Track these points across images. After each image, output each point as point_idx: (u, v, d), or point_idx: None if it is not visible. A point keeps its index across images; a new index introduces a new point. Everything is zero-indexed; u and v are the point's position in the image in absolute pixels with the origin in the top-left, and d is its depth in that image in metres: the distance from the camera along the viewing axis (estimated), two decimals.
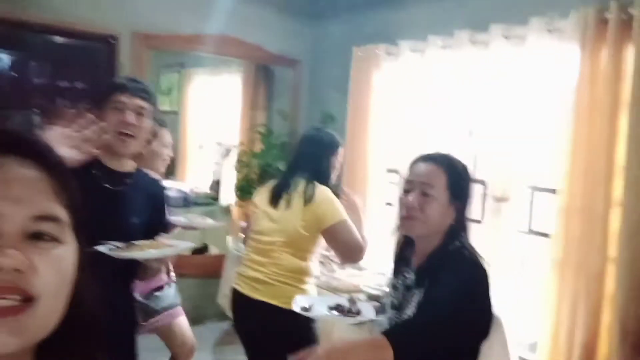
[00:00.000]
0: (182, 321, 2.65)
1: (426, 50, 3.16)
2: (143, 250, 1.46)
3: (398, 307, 1.51)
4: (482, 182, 2.76)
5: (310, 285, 2.14)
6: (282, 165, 4.02)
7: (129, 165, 1.66)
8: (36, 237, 0.52)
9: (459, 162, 1.47)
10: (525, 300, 2.58)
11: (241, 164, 4.20)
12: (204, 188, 4.77)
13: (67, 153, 1.25)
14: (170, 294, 2.62)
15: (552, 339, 2.35)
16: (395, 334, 1.28)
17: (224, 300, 3.21)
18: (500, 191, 2.64)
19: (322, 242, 2.13)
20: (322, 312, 1.65)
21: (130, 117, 1.56)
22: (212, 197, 4.63)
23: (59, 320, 0.54)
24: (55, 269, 0.52)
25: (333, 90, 4.03)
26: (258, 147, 4.22)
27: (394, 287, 1.60)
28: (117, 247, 1.44)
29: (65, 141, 1.27)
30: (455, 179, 1.41)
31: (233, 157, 4.33)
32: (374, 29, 3.62)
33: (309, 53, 4.25)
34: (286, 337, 1.83)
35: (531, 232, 2.71)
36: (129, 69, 3.44)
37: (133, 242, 1.49)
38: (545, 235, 2.55)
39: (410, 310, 1.42)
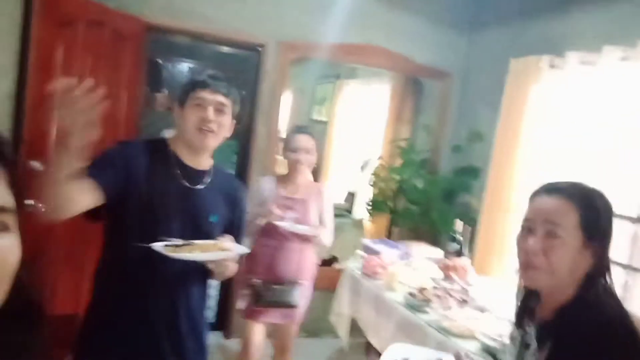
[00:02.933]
0: (288, 325, 2.64)
1: (599, 63, 2.68)
2: (191, 253, 1.39)
3: None
4: None
5: None
6: (419, 183, 3.77)
7: (207, 163, 1.62)
8: None
9: (595, 191, 1.14)
10: None
11: (377, 179, 4.04)
12: (339, 199, 4.70)
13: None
14: (290, 293, 2.52)
15: None
16: None
17: (335, 319, 3.06)
18: None
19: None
20: None
21: (211, 113, 1.52)
22: (346, 209, 4.54)
23: None
24: (9, 255, 0.54)
25: (484, 105, 3.66)
26: (398, 161, 4.02)
27: (512, 340, 1.32)
28: (176, 245, 1.39)
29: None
30: (591, 214, 1.09)
31: (370, 170, 4.20)
32: (536, 39, 3.21)
33: (460, 65, 3.94)
34: None
35: None
36: (272, 76, 3.53)
37: (191, 241, 1.43)
38: None
39: None
